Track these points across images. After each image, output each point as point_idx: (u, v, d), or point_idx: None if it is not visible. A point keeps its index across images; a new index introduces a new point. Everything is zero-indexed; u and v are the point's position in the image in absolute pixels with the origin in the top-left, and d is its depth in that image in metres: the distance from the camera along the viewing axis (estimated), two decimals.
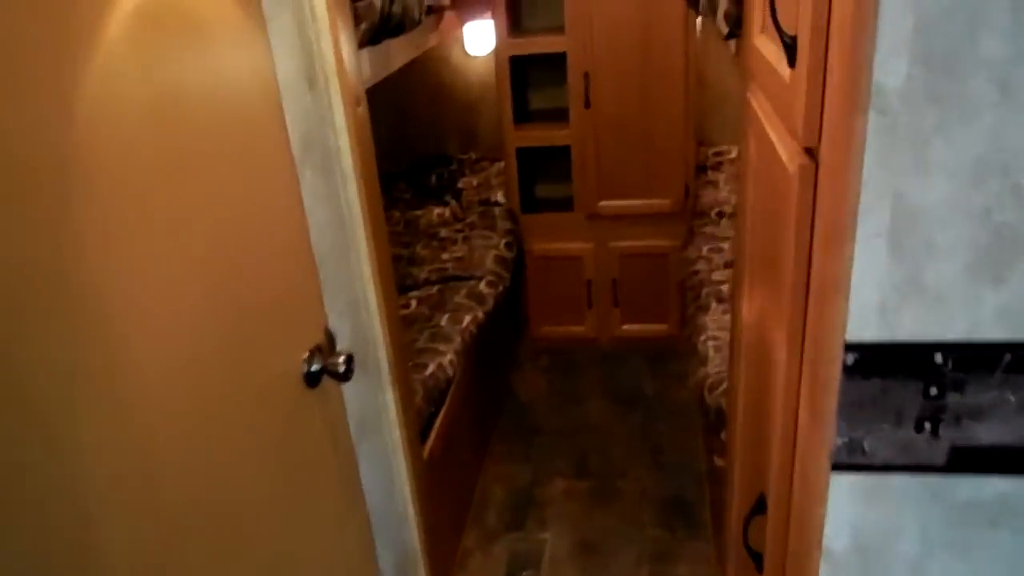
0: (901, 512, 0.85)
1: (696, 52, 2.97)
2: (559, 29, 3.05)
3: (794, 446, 0.92)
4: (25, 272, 0.72)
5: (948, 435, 0.80)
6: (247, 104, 1.15)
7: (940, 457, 0.81)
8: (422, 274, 2.89)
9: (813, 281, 0.82)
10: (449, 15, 2.23)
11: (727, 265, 2.62)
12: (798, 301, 0.85)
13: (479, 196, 3.45)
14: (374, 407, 1.59)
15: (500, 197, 3.40)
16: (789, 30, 0.80)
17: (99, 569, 0.81)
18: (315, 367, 1.27)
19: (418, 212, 3.40)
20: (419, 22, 1.75)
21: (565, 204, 3.37)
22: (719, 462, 1.81)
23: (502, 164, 3.40)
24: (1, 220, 0.69)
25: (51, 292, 0.75)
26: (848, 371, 0.78)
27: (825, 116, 0.76)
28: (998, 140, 0.68)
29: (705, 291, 2.50)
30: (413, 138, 3.61)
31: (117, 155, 0.85)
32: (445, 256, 3.04)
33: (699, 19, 2.91)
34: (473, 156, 3.62)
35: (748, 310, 1.27)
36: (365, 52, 1.54)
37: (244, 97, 1.14)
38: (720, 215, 3.07)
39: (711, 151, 3.41)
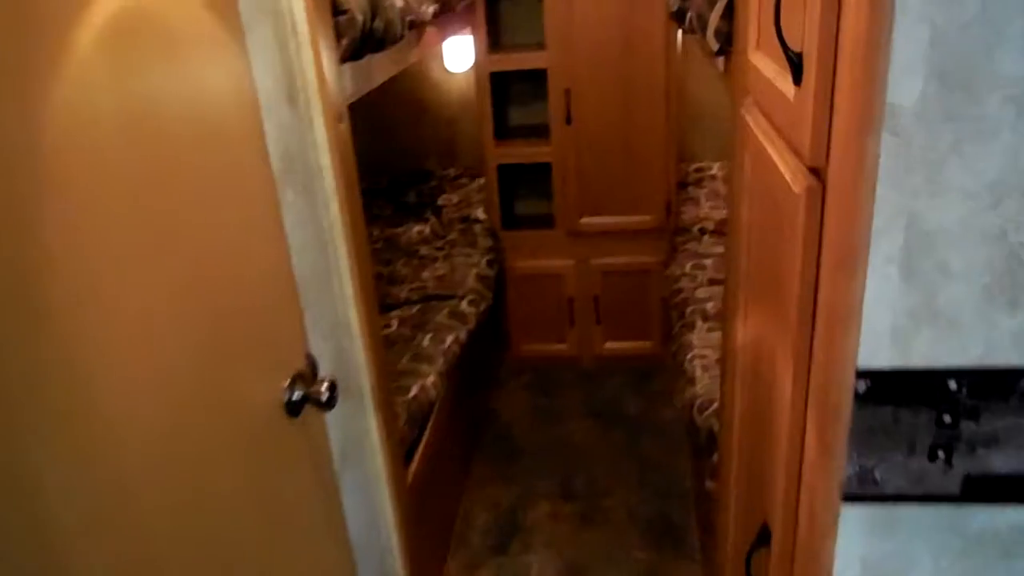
0: (913, 543, 0.82)
1: (677, 68, 2.97)
2: (539, 45, 3.03)
3: (799, 475, 0.89)
4: None
5: (962, 464, 0.78)
6: (225, 120, 1.10)
7: (954, 486, 0.79)
8: (403, 293, 2.84)
9: (821, 305, 0.79)
10: (430, 31, 2.20)
11: (711, 282, 2.60)
12: (804, 325, 0.82)
13: (459, 213, 3.41)
14: (357, 434, 1.53)
15: (480, 214, 3.36)
16: (794, 46, 0.78)
17: None
18: (297, 395, 1.22)
19: (398, 229, 3.35)
20: (401, 37, 1.71)
21: (546, 221, 3.34)
22: (711, 485, 1.78)
23: (482, 180, 3.37)
24: None
25: (10, 318, 0.69)
26: (860, 399, 0.76)
27: (833, 136, 0.73)
28: (1015, 160, 0.66)
29: (690, 309, 2.47)
30: (392, 154, 3.57)
31: (86, 173, 0.80)
32: (426, 274, 2.99)
33: (680, 35, 2.92)
34: (453, 172, 3.58)
35: (743, 331, 1.24)
36: (347, 67, 1.50)
37: (221, 113, 1.09)
38: (702, 231, 3.06)
39: (691, 167, 3.41)
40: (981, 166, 0.66)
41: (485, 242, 3.23)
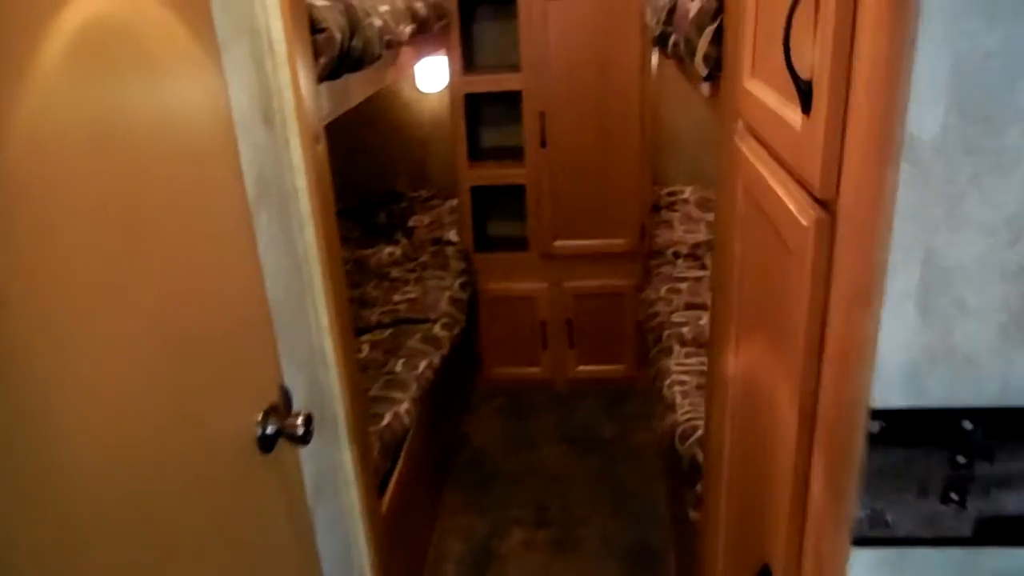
0: None
1: (652, 92, 2.97)
2: (514, 67, 3.01)
3: (804, 517, 0.85)
4: None
5: (975, 506, 0.75)
6: (198, 140, 1.05)
7: (967, 529, 0.76)
8: (374, 316, 2.77)
9: (831, 341, 0.76)
10: (405, 50, 2.16)
11: (688, 306, 2.59)
12: (811, 362, 0.79)
13: (431, 235, 3.36)
14: (331, 468, 1.47)
15: (453, 236, 3.31)
16: (803, 73, 0.75)
17: None
18: (270, 430, 1.15)
19: (367, 251, 3.29)
20: (379, 56, 1.67)
21: (519, 243, 3.31)
22: (694, 515, 1.74)
23: (454, 202, 3.33)
24: None
25: None
26: (873, 439, 0.73)
27: (846, 167, 0.70)
28: None
29: (667, 333, 2.45)
30: (361, 175, 3.52)
31: (48, 192, 0.74)
32: (397, 297, 2.93)
33: (655, 58, 2.92)
34: (424, 194, 3.54)
35: (735, 363, 1.21)
36: (324, 87, 1.45)
37: (195, 132, 1.04)
38: (676, 255, 3.05)
39: (664, 191, 3.42)
40: (1001, 199, 0.64)
41: (457, 264, 3.18)
